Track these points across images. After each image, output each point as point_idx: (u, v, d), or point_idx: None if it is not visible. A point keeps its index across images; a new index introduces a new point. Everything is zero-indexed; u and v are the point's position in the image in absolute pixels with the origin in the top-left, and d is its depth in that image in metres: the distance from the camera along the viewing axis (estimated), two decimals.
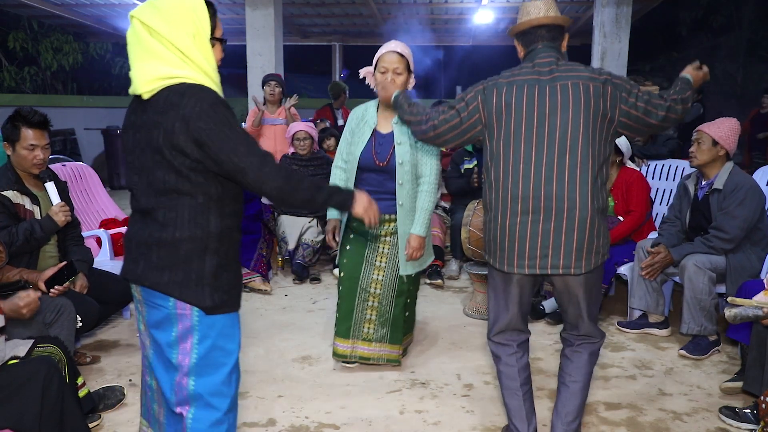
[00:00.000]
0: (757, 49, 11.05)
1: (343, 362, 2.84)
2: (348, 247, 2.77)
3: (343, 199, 1.62)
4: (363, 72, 2.67)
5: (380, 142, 2.64)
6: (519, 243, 1.84)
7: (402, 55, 2.52)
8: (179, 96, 1.41)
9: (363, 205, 1.65)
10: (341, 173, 2.77)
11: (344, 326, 2.77)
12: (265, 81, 4.85)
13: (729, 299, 2.27)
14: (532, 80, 1.85)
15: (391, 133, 2.63)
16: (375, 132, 2.66)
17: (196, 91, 1.42)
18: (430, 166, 2.61)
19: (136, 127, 1.50)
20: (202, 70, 1.47)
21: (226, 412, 1.55)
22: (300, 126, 4.38)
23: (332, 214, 2.78)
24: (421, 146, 2.59)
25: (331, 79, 10.32)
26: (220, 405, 1.54)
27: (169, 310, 1.50)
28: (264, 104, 4.83)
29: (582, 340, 2.04)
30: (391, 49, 2.53)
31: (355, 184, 2.70)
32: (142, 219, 1.52)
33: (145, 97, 1.44)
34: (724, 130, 2.99)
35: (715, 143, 2.99)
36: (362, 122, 2.68)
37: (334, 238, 2.78)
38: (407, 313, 2.85)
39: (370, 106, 2.72)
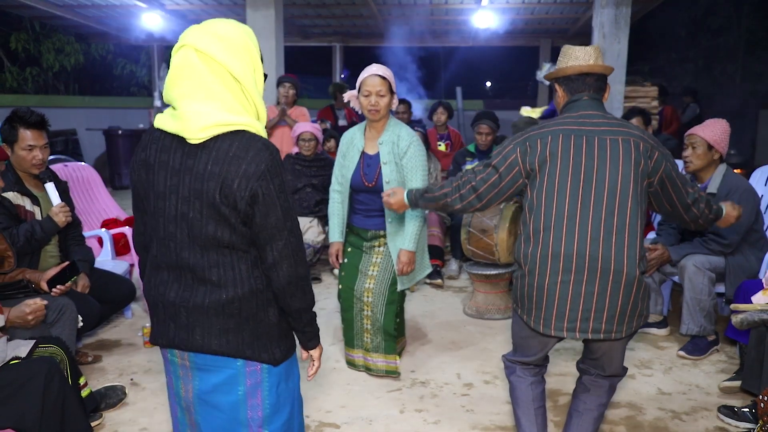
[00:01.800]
0: (756, 50, 11.05)
1: (358, 370, 2.89)
2: (346, 260, 2.85)
3: (312, 335, 1.49)
4: (347, 96, 2.75)
5: (368, 163, 2.72)
6: (558, 304, 1.71)
7: (384, 78, 2.61)
8: (244, 150, 1.28)
9: (318, 354, 1.54)
10: (338, 196, 2.85)
11: (348, 336, 2.86)
12: (280, 82, 4.89)
13: (732, 306, 2.29)
14: (579, 131, 1.74)
15: (377, 154, 2.70)
16: (363, 154, 2.74)
17: (261, 147, 1.29)
18: (416, 181, 2.66)
19: (172, 170, 1.31)
20: (257, 110, 1.36)
21: None
22: (306, 127, 4.40)
23: (334, 237, 2.87)
24: (406, 164, 2.65)
25: (332, 80, 10.33)
26: None
27: (237, 370, 1.39)
28: (277, 104, 4.87)
29: (606, 376, 1.94)
30: (373, 73, 2.62)
31: (350, 203, 2.81)
32: (183, 278, 1.36)
33: (195, 141, 1.28)
34: (717, 132, 2.95)
35: (710, 147, 2.96)
36: (351, 146, 2.78)
37: (337, 259, 2.88)
38: (398, 320, 2.88)
39: (358, 129, 2.81)
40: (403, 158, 2.62)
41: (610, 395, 1.97)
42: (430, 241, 4.09)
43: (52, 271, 2.44)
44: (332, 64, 10.38)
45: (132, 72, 12.22)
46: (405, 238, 2.65)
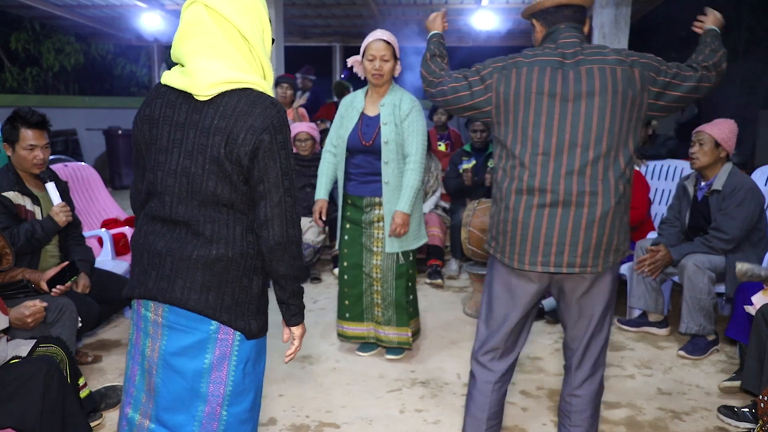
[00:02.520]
0: (756, 50, 11.04)
1: (358, 350, 2.96)
2: (345, 237, 2.87)
3: (297, 311, 1.46)
4: (350, 61, 2.77)
5: (367, 124, 2.75)
6: (533, 237, 1.69)
7: (388, 43, 2.64)
8: (251, 105, 1.29)
9: (300, 333, 1.50)
10: (331, 157, 2.88)
11: (356, 311, 2.90)
12: (277, 83, 4.90)
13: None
14: (555, 62, 1.68)
15: (378, 116, 2.73)
16: (362, 115, 2.77)
17: (268, 104, 1.30)
18: (415, 144, 2.68)
19: (176, 124, 1.32)
20: (264, 70, 1.36)
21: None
22: (302, 127, 4.40)
23: (320, 194, 2.89)
24: (407, 127, 2.68)
25: (332, 80, 10.34)
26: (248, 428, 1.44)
27: (208, 334, 1.35)
28: None
29: (582, 384, 1.85)
30: (377, 38, 2.64)
31: (345, 168, 2.81)
32: (176, 231, 1.35)
33: (203, 98, 1.29)
34: (725, 131, 2.99)
35: (717, 145, 2.99)
36: (351, 107, 2.81)
37: (320, 218, 2.88)
38: (411, 296, 2.89)
39: (359, 92, 2.84)
40: (404, 121, 2.65)
41: (599, 397, 1.87)
42: (430, 240, 4.10)
43: (52, 271, 2.44)
44: (332, 64, 10.38)
45: (132, 72, 12.22)
46: (401, 199, 2.66)
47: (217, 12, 1.28)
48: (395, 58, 2.67)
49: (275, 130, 1.30)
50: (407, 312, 2.82)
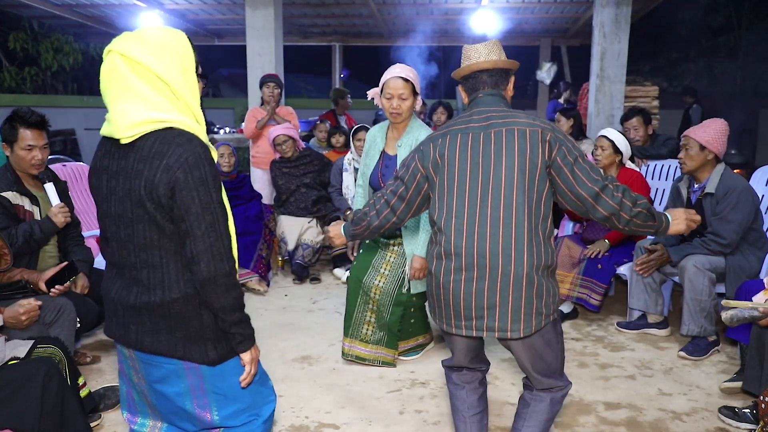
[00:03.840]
0: (757, 49, 11.04)
1: (346, 359, 2.91)
2: (361, 251, 2.90)
3: (242, 338, 1.43)
4: (371, 94, 2.76)
5: (386, 164, 2.73)
6: (454, 302, 1.70)
7: (406, 80, 2.58)
8: (166, 145, 1.31)
9: (250, 358, 1.46)
10: (361, 190, 2.89)
11: (346, 324, 2.89)
12: (263, 82, 4.85)
13: (723, 302, 2.28)
14: (465, 129, 1.73)
15: (396, 156, 2.70)
16: (383, 154, 2.75)
17: (184, 141, 1.32)
18: None
19: (111, 172, 1.38)
20: (191, 110, 1.37)
21: (266, 417, 1.56)
22: (277, 131, 4.36)
23: None
24: None
25: (331, 80, 10.33)
26: (259, 412, 1.54)
27: (176, 366, 1.43)
28: (261, 105, 4.85)
29: (542, 389, 1.84)
30: (395, 75, 2.58)
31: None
32: (121, 277, 1.42)
33: (125, 141, 1.32)
34: (710, 133, 2.96)
35: (702, 148, 2.97)
36: (374, 144, 2.80)
37: (352, 252, 2.97)
38: (412, 320, 2.89)
39: (381, 128, 2.82)
40: None
41: (554, 411, 1.84)
42: None
43: (51, 272, 2.43)
44: (332, 64, 10.37)
45: None
46: (418, 244, 2.63)
47: (131, 58, 1.31)
48: (415, 93, 2.62)
49: (190, 167, 1.30)
50: (397, 336, 2.83)
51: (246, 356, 1.46)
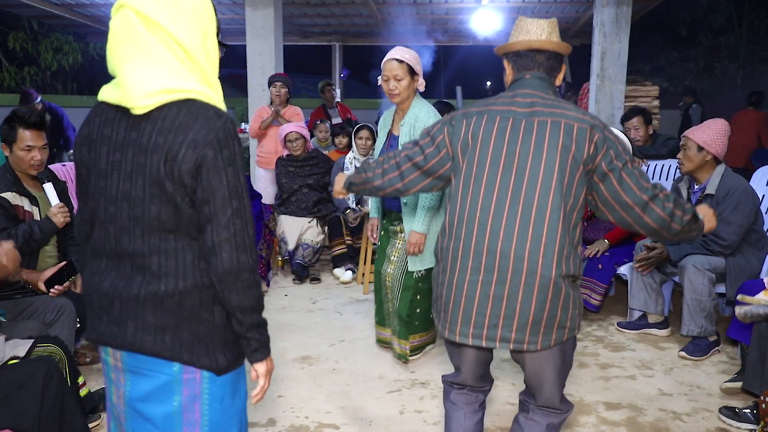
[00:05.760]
0: (757, 49, 11.04)
1: (378, 345, 3.06)
2: (379, 243, 3.01)
3: (258, 345, 1.27)
4: (380, 80, 2.83)
5: (392, 144, 2.83)
6: (465, 306, 1.52)
7: (401, 61, 2.66)
8: (192, 117, 1.14)
9: (264, 370, 1.31)
10: None
11: (380, 316, 3.01)
12: (271, 82, 4.86)
13: (739, 297, 2.27)
14: (506, 111, 1.55)
15: (399, 136, 2.78)
16: (390, 134, 2.86)
17: (212, 115, 1.16)
18: None
19: (114, 144, 1.18)
20: (208, 80, 1.21)
21: None
22: (290, 127, 4.38)
23: (373, 213, 3.06)
24: None
25: (331, 80, 10.33)
26: None
27: (172, 376, 1.21)
28: (270, 104, 4.85)
29: (541, 409, 1.69)
30: (390, 57, 2.68)
31: None
32: (120, 266, 1.21)
33: (139, 111, 1.14)
34: (708, 134, 2.96)
35: (700, 149, 2.97)
36: (384, 125, 2.92)
37: (373, 234, 3.05)
38: (418, 310, 2.88)
39: (391, 111, 2.93)
40: None
41: None
42: None
43: (50, 272, 2.43)
44: (332, 64, 10.37)
45: None
46: (416, 219, 2.68)
47: (147, 17, 1.13)
48: (412, 73, 2.68)
49: (220, 144, 1.15)
50: (407, 325, 2.82)
51: (261, 367, 1.29)
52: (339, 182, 1.88)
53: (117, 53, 1.16)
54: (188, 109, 1.15)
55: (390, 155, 1.72)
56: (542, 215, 1.47)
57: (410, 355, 2.91)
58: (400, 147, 1.74)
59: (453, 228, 1.56)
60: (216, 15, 1.25)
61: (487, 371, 1.77)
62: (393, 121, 2.86)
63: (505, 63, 1.68)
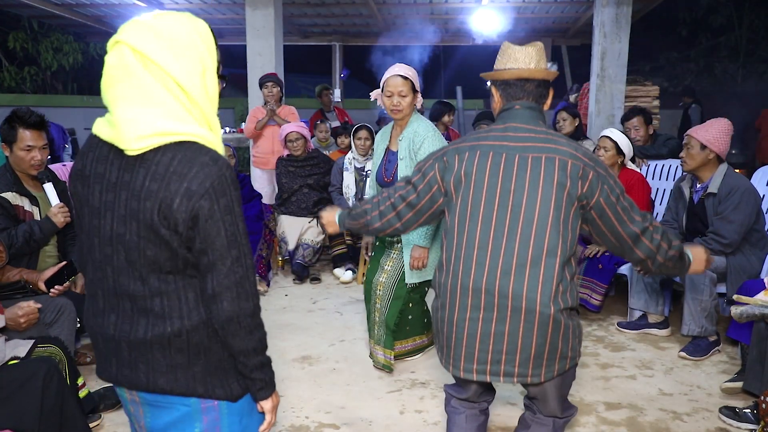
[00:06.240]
0: (757, 49, 11.04)
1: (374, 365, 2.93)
2: (372, 254, 2.98)
3: (263, 384, 1.26)
4: (373, 95, 2.83)
5: (389, 159, 2.82)
6: (467, 343, 1.54)
7: (405, 78, 2.67)
8: (187, 164, 1.10)
9: (271, 407, 1.29)
10: (371, 191, 3.01)
11: (368, 326, 2.95)
12: (262, 83, 4.84)
13: (735, 297, 2.28)
14: (499, 147, 1.54)
15: (398, 151, 2.78)
16: (387, 150, 2.85)
17: (208, 161, 1.12)
18: None
19: (107, 184, 1.15)
20: (207, 119, 1.17)
21: None
22: (291, 127, 4.38)
23: None
24: (420, 157, 2.70)
25: (332, 80, 10.33)
26: None
27: (191, 407, 1.22)
28: (264, 104, 4.84)
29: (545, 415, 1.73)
30: (395, 73, 2.68)
31: None
32: (120, 307, 1.19)
33: (131, 153, 1.10)
34: (712, 133, 2.97)
35: (703, 147, 2.98)
36: (381, 142, 2.91)
37: (366, 251, 3.05)
38: (410, 317, 2.89)
39: (386, 129, 2.92)
40: (417, 153, 2.67)
41: None
42: None
43: (50, 272, 2.43)
44: (332, 64, 10.37)
45: None
46: (419, 235, 2.67)
47: (145, 56, 1.09)
48: (414, 91, 2.70)
49: (216, 194, 1.11)
50: (394, 334, 2.83)
51: (266, 404, 1.28)
52: (331, 224, 1.87)
53: (111, 91, 1.13)
54: (183, 154, 1.11)
55: (384, 196, 1.74)
56: (539, 253, 1.49)
57: (406, 356, 2.91)
58: (398, 178, 1.78)
59: (450, 265, 1.57)
60: (217, 48, 1.21)
61: (490, 388, 1.79)
62: (390, 137, 2.84)
63: (493, 90, 1.68)
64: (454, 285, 1.56)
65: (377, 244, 2.94)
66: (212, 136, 1.16)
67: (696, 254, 1.73)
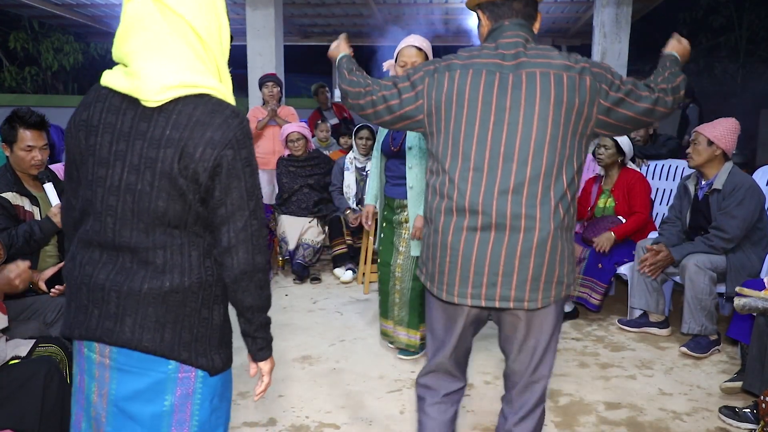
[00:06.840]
0: (757, 49, 11.04)
1: (389, 342, 3.03)
2: (382, 235, 2.98)
3: (264, 344, 1.29)
4: (386, 65, 2.82)
5: (395, 137, 2.83)
6: (462, 265, 1.48)
7: (420, 49, 2.67)
8: (210, 115, 1.12)
9: (269, 368, 1.34)
10: (375, 161, 3.02)
11: (384, 308, 2.99)
12: (262, 83, 4.84)
13: (738, 289, 2.28)
14: (492, 65, 1.48)
15: None
16: None
17: (230, 114, 1.14)
18: None
19: (119, 133, 1.14)
20: (221, 73, 1.19)
21: None
22: (292, 127, 4.38)
23: (369, 200, 3.05)
24: None
25: (332, 80, 10.34)
26: None
27: (166, 374, 1.18)
28: (263, 104, 4.84)
29: (521, 422, 1.62)
30: (410, 44, 2.68)
31: (383, 170, 2.95)
32: (119, 259, 1.17)
33: (152, 105, 1.11)
34: (719, 130, 3.02)
35: (710, 143, 3.01)
36: None
37: (368, 222, 3.04)
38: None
39: None
40: None
41: (541, 424, 1.64)
42: None
43: (50, 271, 2.43)
44: (332, 64, 10.37)
45: None
46: (422, 204, 2.69)
47: (166, 5, 1.10)
48: None
49: (239, 145, 1.14)
50: (418, 313, 2.84)
51: (266, 366, 1.31)
52: (335, 48, 1.95)
53: (129, 42, 1.12)
54: (205, 105, 1.13)
55: (368, 89, 1.64)
56: (537, 171, 1.44)
57: (405, 355, 2.93)
58: (376, 83, 1.66)
59: (444, 187, 1.51)
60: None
61: (467, 354, 1.71)
62: None
63: (480, 14, 1.62)
64: (448, 208, 1.50)
65: (384, 225, 2.94)
66: (226, 90, 1.18)
67: (671, 48, 1.67)
